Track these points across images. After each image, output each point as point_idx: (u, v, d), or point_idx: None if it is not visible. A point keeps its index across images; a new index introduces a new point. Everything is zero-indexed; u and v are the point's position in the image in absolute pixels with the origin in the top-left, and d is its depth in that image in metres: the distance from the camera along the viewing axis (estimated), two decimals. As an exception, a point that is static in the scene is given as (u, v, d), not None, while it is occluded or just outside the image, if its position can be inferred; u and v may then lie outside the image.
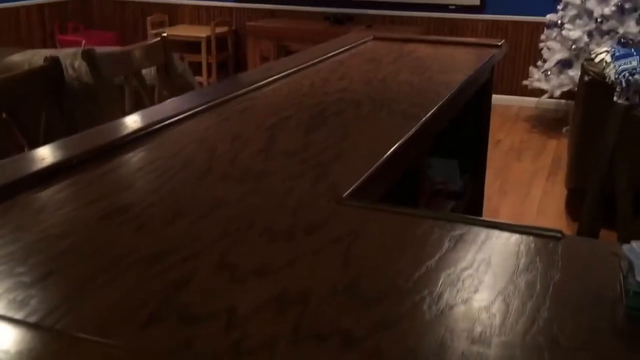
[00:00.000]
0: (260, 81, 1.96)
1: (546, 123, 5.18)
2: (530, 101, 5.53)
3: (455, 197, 2.43)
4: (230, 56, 6.36)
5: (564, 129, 4.63)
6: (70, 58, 3.01)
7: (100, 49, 2.17)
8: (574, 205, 3.47)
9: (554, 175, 4.05)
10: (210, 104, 1.73)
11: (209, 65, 6.10)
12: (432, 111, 1.66)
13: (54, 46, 6.41)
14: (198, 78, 6.15)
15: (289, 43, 5.78)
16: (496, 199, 3.67)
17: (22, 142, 1.85)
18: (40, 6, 6.32)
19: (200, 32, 6.16)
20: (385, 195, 1.34)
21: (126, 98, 2.26)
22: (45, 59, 1.93)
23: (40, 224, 1.04)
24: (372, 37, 2.69)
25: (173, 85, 2.46)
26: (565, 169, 3.57)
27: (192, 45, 6.18)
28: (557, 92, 4.82)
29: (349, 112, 1.68)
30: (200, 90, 1.99)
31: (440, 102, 1.73)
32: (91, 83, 2.79)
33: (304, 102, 1.78)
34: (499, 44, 2.51)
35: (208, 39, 6.02)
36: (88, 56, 2.09)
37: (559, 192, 3.70)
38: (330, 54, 2.35)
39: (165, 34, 2.45)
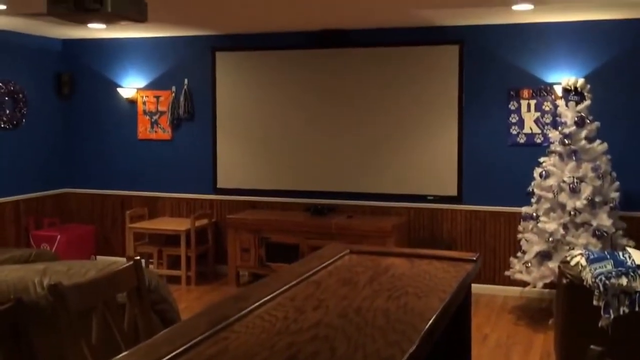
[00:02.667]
0: (233, 315, 1.88)
1: (532, 314, 5.10)
2: (514, 290, 5.49)
3: None
4: (210, 248, 6.34)
5: (550, 321, 4.54)
6: (40, 275, 2.93)
7: (68, 281, 2.10)
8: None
9: (545, 374, 3.88)
10: (178, 350, 1.63)
11: (188, 258, 6.06)
12: (409, 352, 1.58)
13: (28, 242, 6.37)
14: (176, 272, 6.07)
15: (269, 235, 5.80)
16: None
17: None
18: (15, 202, 6.36)
19: (180, 225, 6.18)
20: None
21: (94, 328, 2.16)
22: (10, 300, 1.85)
23: None
24: (348, 250, 2.66)
25: (144, 304, 2.37)
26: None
27: (171, 238, 6.18)
28: (540, 284, 4.79)
29: (323, 356, 1.59)
30: (172, 328, 1.89)
31: (417, 342, 1.65)
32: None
33: (277, 343, 1.69)
34: (474, 258, 2.50)
35: (188, 232, 6.03)
36: (55, 291, 2.01)
37: (552, 396, 3.52)
38: (306, 275, 2.30)
39: (138, 257, 2.40)
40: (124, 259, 6.42)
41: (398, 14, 5.11)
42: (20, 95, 6.36)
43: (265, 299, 2.04)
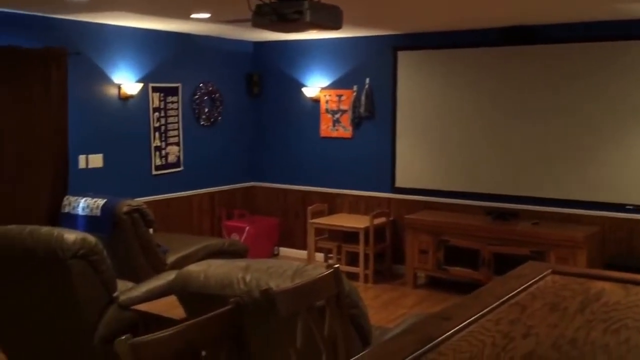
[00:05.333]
0: (439, 336, 1.88)
1: None
2: None
3: None
4: (388, 247, 6.40)
5: None
6: (242, 272, 3.12)
7: (277, 288, 2.21)
8: None
9: None
10: (388, 370, 1.66)
11: (366, 256, 6.16)
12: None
13: (220, 232, 6.83)
14: (355, 268, 6.20)
15: (448, 237, 5.73)
16: None
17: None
18: (210, 194, 6.84)
19: (358, 222, 6.30)
20: None
21: (298, 334, 2.26)
22: (230, 302, 1.98)
23: None
24: (550, 270, 2.55)
25: (343, 313, 2.44)
26: None
27: (350, 235, 6.31)
28: None
29: (541, 393, 1.54)
30: (380, 346, 1.93)
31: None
32: (259, 298, 2.86)
33: (489, 373, 1.66)
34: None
35: (367, 230, 6.13)
36: (267, 296, 2.13)
37: None
38: (508, 296, 2.24)
39: (337, 265, 2.48)
40: (304, 252, 6.69)
41: (598, 7, 4.77)
42: (217, 95, 6.84)
43: (469, 320, 2.02)
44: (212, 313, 2.00)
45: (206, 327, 1.96)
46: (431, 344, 1.84)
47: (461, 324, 1.98)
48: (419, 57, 6.37)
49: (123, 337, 1.70)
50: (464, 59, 6.11)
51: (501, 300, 2.20)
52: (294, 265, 3.13)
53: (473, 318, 2.03)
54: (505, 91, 5.92)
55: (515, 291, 2.30)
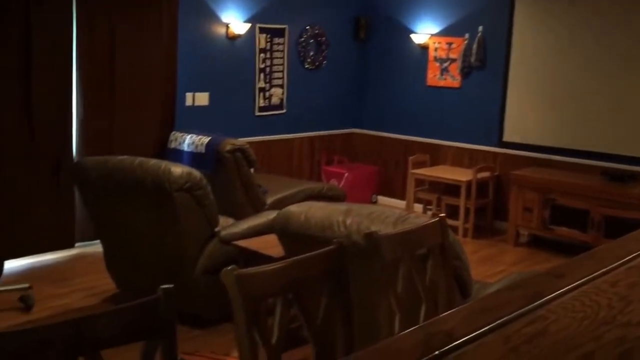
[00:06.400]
0: (549, 293, 1.77)
1: None
2: None
3: None
4: (490, 202, 6.21)
5: None
6: (343, 215, 3.09)
7: (379, 231, 2.16)
8: None
9: None
10: (495, 323, 1.58)
11: (467, 210, 6.01)
12: None
13: (319, 176, 6.85)
14: (454, 221, 6.07)
15: (556, 196, 5.48)
16: None
17: (301, 323, 1.86)
18: (311, 138, 6.85)
19: (461, 175, 6.13)
20: None
21: (399, 280, 2.21)
22: (333, 242, 1.96)
23: None
24: (676, 234, 2.35)
25: (447, 263, 2.37)
26: None
27: (451, 188, 6.17)
28: None
29: (664, 361, 1.42)
30: (486, 298, 1.85)
31: None
32: (359, 242, 2.84)
33: (604, 335, 1.55)
34: None
35: (469, 183, 5.96)
36: (371, 239, 2.09)
37: None
38: (627, 258, 2.08)
39: (442, 215, 2.39)
40: (403, 202, 6.62)
41: None
42: (323, 39, 6.76)
43: (583, 280, 1.89)
44: (315, 252, 1.98)
45: (309, 266, 1.95)
46: (541, 300, 1.73)
47: (575, 282, 1.85)
48: (538, 4, 6.00)
49: (229, 268, 1.71)
50: (587, 6, 5.69)
51: (620, 262, 2.05)
52: (396, 212, 3.08)
53: (588, 278, 1.90)
54: (628, 43, 5.49)
55: (636, 253, 2.13)
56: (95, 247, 4.44)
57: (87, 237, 4.90)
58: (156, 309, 1.54)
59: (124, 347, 1.47)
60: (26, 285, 4.10)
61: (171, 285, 1.57)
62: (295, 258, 1.86)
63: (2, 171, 4.47)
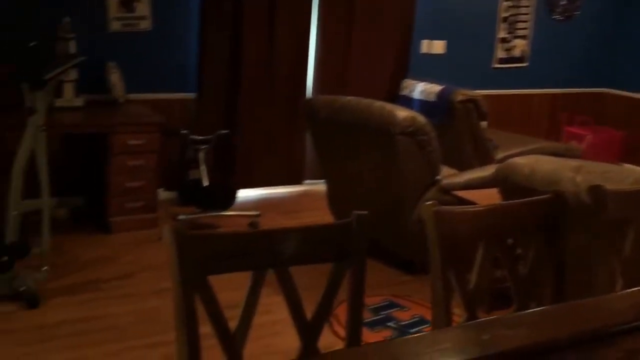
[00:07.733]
0: None
1: None
2: None
3: None
4: None
5: None
6: (573, 171, 2.80)
7: (610, 188, 1.90)
8: None
9: None
10: None
11: None
12: None
13: (557, 137, 6.36)
14: None
15: None
16: None
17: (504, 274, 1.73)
18: (553, 95, 6.35)
19: None
20: None
21: (626, 243, 1.94)
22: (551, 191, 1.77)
23: None
24: None
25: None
26: None
27: None
28: None
29: None
30: None
31: None
32: (588, 202, 2.55)
33: None
34: None
35: None
36: (596, 193, 1.86)
37: None
38: None
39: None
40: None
41: None
42: (578, -15, 6.18)
43: None
44: (528, 199, 1.81)
45: (518, 213, 1.79)
46: None
47: None
48: None
49: (429, 202, 1.64)
50: None
51: None
52: (637, 171, 2.71)
53: None
54: None
55: None
56: (320, 187, 4.61)
57: (314, 177, 5.12)
58: (348, 233, 1.52)
59: (312, 267, 1.47)
60: (256, 212, 4.44)
61: (365, 212, 1.53)
62: (501, 202, 1.72)
63: (252, 112, 4.84)
